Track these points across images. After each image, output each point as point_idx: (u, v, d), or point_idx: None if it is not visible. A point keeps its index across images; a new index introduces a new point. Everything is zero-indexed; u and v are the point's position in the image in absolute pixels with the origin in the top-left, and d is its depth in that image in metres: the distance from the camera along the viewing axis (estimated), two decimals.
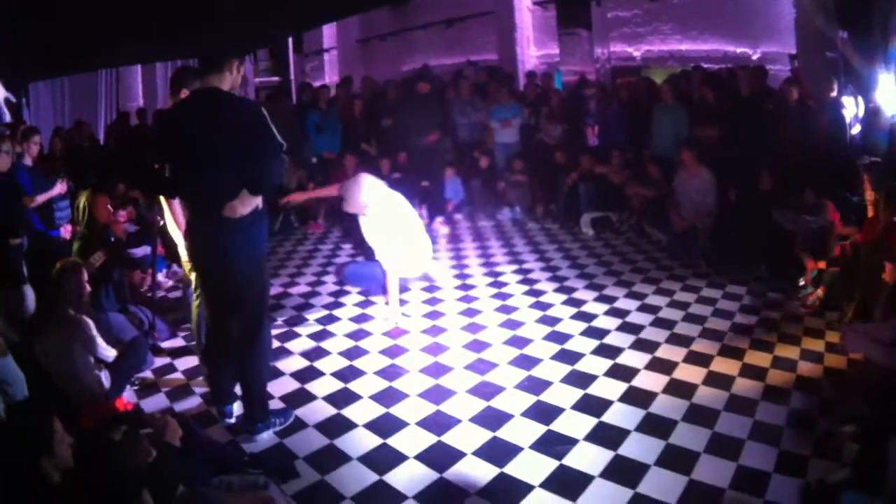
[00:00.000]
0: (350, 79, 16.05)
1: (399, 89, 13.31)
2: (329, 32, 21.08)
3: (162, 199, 5.80)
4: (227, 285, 4.84)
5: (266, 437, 5.05)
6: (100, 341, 5.41)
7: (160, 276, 8.92)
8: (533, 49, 17.08)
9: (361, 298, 8.08)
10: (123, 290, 6.98)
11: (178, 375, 6.29)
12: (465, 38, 18.06)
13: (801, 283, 7.37)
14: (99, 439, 3.80)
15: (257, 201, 4.70)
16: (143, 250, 8.62)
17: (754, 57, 13.34)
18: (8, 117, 11.24)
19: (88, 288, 5.75)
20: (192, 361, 6.45)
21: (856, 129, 9.36)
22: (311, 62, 21.56)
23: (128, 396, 5.74)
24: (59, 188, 7.66)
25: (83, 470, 3.26)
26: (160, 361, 6.54)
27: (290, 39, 18.92)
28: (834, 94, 9.25)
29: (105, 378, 5.38)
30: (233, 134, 4.47)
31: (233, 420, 5.27)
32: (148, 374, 6.26)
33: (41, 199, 7.55)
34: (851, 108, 9.40)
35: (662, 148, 10.62)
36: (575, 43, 15.48)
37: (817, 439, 4.64)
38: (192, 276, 5.77)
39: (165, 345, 6.95)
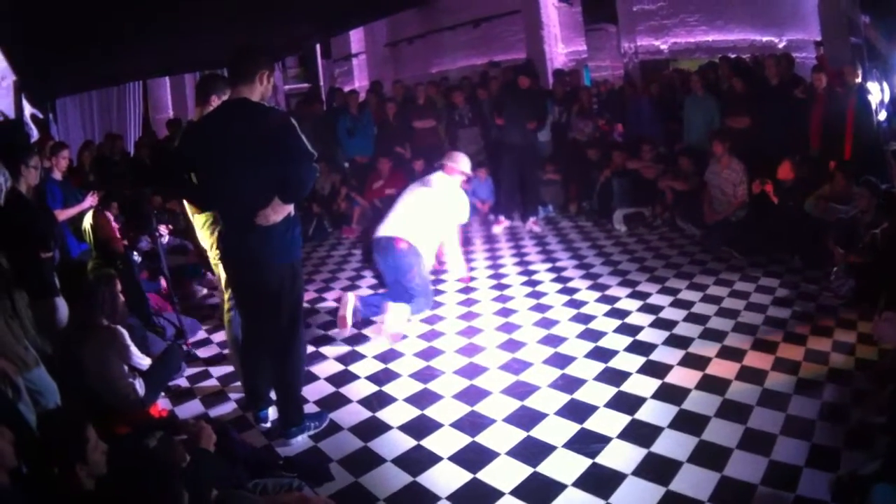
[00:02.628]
0: (380, 83, 16.14)
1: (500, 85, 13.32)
2: (357, 37, 21.22)
3: (188, 208, 5.79)
4: (262, 293, 4.89)
5: (301, 441, 5.11)
6: (134, 350, 5.49)
7: (194, 285, 9.10)
8: (561, 46, 17.06)
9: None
10: (146, 304, 7.07)
11: (212, 382, 6.37)
12: (492, 37, 18.10)
13: (833, 275, 7.33)
14: (134, 446, 3.85)
15: (289, 208, 4.71)
16: (176, 258, 8.76)
17: (780, 45, 13.29)
18: (36, 133, 11.42)
19: (122, 298, 5.84)
20: (226, 368, 6.53)
21: (882, 115, 9.28)
22: (340, 67, 21.67)
23: (163, 404, 5.82)
24: (90, 201, 7.73)
25: (118, 477, 3.30)
26: (194, 369, 6.64)
27: (319, 45, 19.00)
28: (858, 79, 9.18)
29: (139, 386, 5.45)
30: (262, 144, 4.50)
31: (268, 424, 5.35)
32: (182, 381, 6.36)
33: (71, 212, 7.66)
34: (877, 93, 9.32)
35: (694, 140, 10.60)
36: (602, 38, 15.49)
37: (849, 431, 4.63)
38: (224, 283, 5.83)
39: (200, 352, 7.05)
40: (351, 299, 6.88)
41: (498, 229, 11.17)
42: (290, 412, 5.14)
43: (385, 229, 7.04)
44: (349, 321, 6.81)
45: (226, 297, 5.85)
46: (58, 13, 8.46)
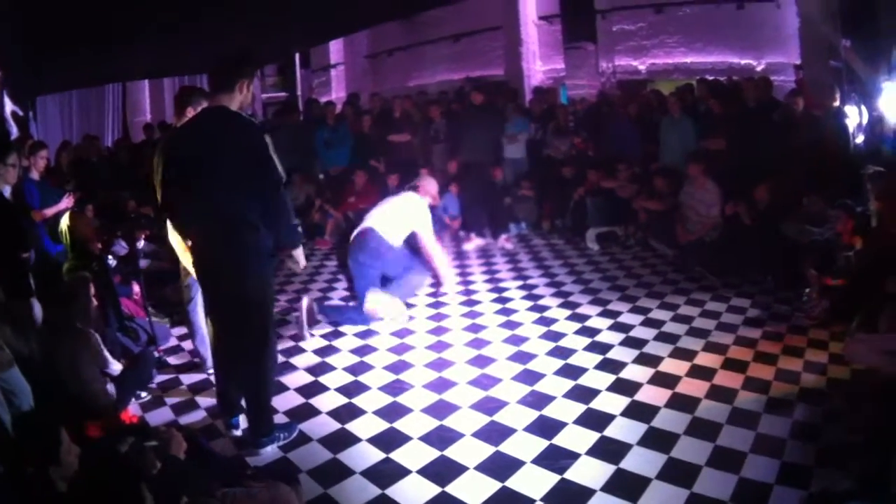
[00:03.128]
0: (358, 95, 16.15)
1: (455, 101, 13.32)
2: (336, 48, 21.22)
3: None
4: (232, 303, 4.89)
5: (270, 451, 5.07)
6: (107, 355, 5.47)
7: (168, 291, 8.96)
8: (539, 63, 17.15)
9: None
10: (119, 308, 6.96)
11: (183, 389, 6.33)
12: (472, 53, 18.20)
13: (806, 296, 7.38)
14: (105, 450, 3.80)
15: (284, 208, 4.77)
16: (150, 263, 8.68)
17: (759, 68, 13.43)
18: (16, 131, 11.32)
19: (95, 302, 5.80)
20: (197, 376, 6.50)
21: (860, 139, 9.33)
22: (318, 77, 21.67)
23: (133, 410, 5.77)
24: (67, 202, 7.69)
25: (89, 480, 3.29)
26: (165, 376, 6.58)
27: (298, 55, 19.00)
28: (836, 102, 9.24)
29: (111, 391, 5.43)
30: (236, 155, 4.53)
31: (239, 432, 5.30)
32: (153, 387, 6.30)
33: (49, 212, 7.60)
34: (855, 116, 9.38)
35: (670, 161, 10.64)
36: (581, 57, 15.54)
37: (820, 450, 4.64)
38: (189, 290, 6.04)
39: (171, 359, 7.00)
40: (305, 302, 7.28)
41: (469, 246, 11.12)
42: (260, 422, 5.10)
43: (359, 228, 7.67)
44: (305, 329, 7.25)
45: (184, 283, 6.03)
46: (49, 13, 8.44)
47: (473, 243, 11.18)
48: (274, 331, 5.15)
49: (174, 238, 5.69)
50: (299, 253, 5.14)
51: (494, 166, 11.62)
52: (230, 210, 4.64)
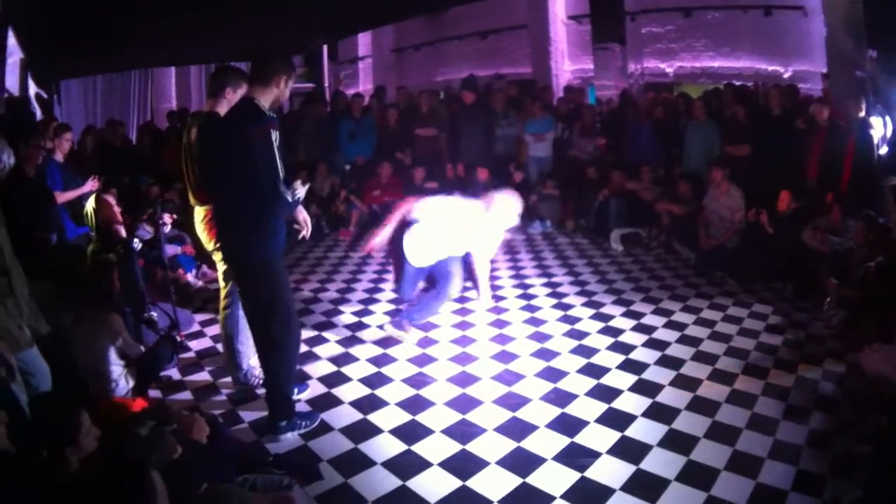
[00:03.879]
0: (384, 88, 16.17)
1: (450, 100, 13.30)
2: (364, 41, 21.20)
3: (192, 200, 5.87)
4: (242, 286, 5.18)
5: (290, 439, 5.12)
6: (127, 337, 5.54)
7: (189, 277, 9.11)
8: (567, 63, 17.14)
9: (392, 307, 8.16)
10: (142, 293, 6.97)
11: (204, 375, 6.38)
12: (499, 50, 18.15)
13: (825, 305, 7.43)
14: (125, 434, 3.81)
15: (269, 208, 4.82)
16: (172, 249, 8.75)
17: (786, 75, 13.41)
18: (40, 113, 11.40)
19: (117, 285, 5.89)
20: (218, 362, 6.53)
21: (883, 150, 9.35)
22: (345, 70, 21.68)
23: (153, 395, 5.81)
24: (90, 185, 7.76)
25: (103, 463, 3.31)
26: (187, 361, 6.66)
27: (325, 47, 19.01)
28: (862, 113, 9.26)
29: (130, 375, 5.51)
30: (239, 147, 4.67)
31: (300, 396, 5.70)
32: (174, 372, 6.36)
33: (71, 195, 7.67)
34: (879, 127, 9.40)
35: (693, 165, 10.68)
36: (608, 58, 15.50)
37: (834, 459, 4.68)
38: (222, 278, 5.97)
39: (193, 345, 7.07)
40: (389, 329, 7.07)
41: None
42: (277, 406, 5.17)
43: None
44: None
45: (223, 293, 5.90)
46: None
47: None
48: (288, 317, 5.10)
49: (200, 227, 5.86)
50: (301, 216, 5.35)
51: (485, 167, 11.57)
52: (229, 199, 4.91)
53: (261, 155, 4.58)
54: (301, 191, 4.81)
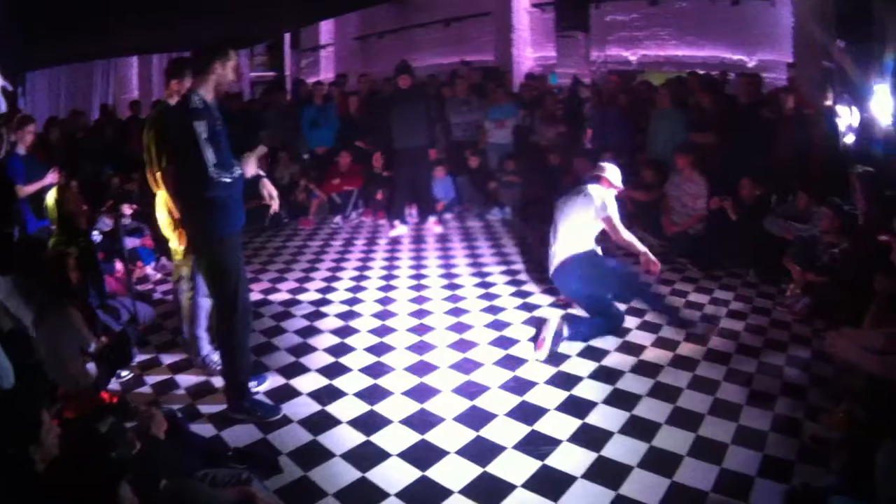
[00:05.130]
0: (345, 76, 16.06)
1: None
2: (327, 29, 21.09)
3: (152, 186, 6.00)
4: (196, 262, 5.51)
5: (250, 432, 5.08)
6: (86, 333, 5.40)
7: (149, 269, 9.04)
8: (530, 50, 17.14)
9: (349, 295, 8.09)
10: (103, 285, 6.92)
11: (163, 368, 6.29)
12: (463, 37, 18.14)
13: (789, 291, 7.42)
14: (85, 430, 3.82)
15: (206, 194, 4.95)
16: (132, 242, 8.63)
17: (750, 64, 13.44)
18: (4, 105, 11.22)
19: (75, 278, 5.75)
20: (178, 356, 6.46)
21: (849, 139, 9.34)
22: (307, 58, 21.55)
23: (114, 388, 5.70)
24: (51, 177, 7.62)
25: (68, 460, 3.27)
26: (146, 355, 6.54)
27: (288, 35, 18.88)
28: (828, 102, 9.24)
29: (91, 369, 5.35)
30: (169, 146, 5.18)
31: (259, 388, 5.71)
32: (133, 366, 6.24)
33: (32, 188, 7.53)
34: (846, 117, 9.39)
35: (658, 152, 10.61)
36: (572, 45, 15.49)
37: (803, 444, 4.65)
38: (182, 269, 6.09)
39: (152, 338, 6.95)
40: (553, 322, 6.36)
41: (394, 233, 10.96)
42: (228, 388, 5.33)
43: (556, 259, 7.03)
44: (547, 345, 6.29)
45: (175, 276, 6.18)
46: None
47: (398, 230, 11.01)
48: (235, 303, 5.13)
49: (161, 213, 5.96)
50: (265, 191, 5.42)
51: (429, 148, 11.41)
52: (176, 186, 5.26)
53: (182, 144, 4.86)
54: (238, 169, 5.06)
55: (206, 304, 5.92)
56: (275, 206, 5.49)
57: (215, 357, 5.90)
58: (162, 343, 6.87)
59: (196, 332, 6.01)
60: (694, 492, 4.21)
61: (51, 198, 6.85)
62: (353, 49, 21.05)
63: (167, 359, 6.48)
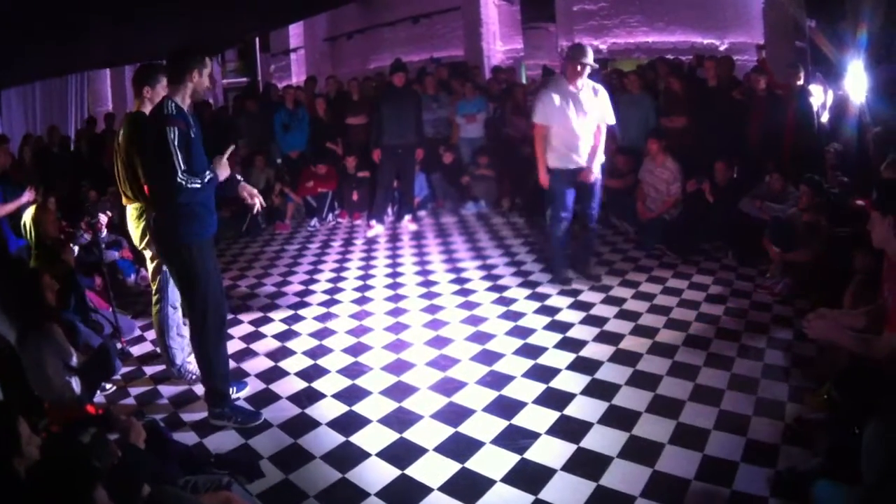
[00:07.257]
0: (314, 78, 15.97)
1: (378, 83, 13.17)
2: (296, 32, 21.11)
3: (123, 199, 6.01)
4: (169, 269, 5.45)
5: (231, 438, 5.07)
6: (68, 349, 5.35)
7: (129, 281, 8.98)
8: (499, 44, 17.16)
9: (326, 297, 8.04)
10: (85, 300, 6.85)
11: (146, 379, 6.25)
12: (431, 34, 18.22)
13: (769, 273, 7.38)
14: (67, 441, 3.80)
15: (174, 199, 4.94)
16: (111, 255, 8.62)
17: (721, 48, 13.44)
18: None
19: (52, 295, 5.68)
20: (160, 366, 6.40)
21: (825, 118, 9.31)
22: (278, 62, 21.49)
23: (99, 402, 5.68)
24: (28, 196, 7.61)
25: (45, 465, 3.20)
26: (128, 367, 6.49)
27: (258, 39, 18.82)
28: (801, 82, 9.22)
29: (75, 384, 5.29)
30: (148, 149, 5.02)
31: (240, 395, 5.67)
32: (117, 378, 6.19)
33: (10, 207, 7.52)
34: (819, 96, 9.37)
35: (629, 139, 10.56)
36: (541, 37, 15.52)
37: (787, 428, 4.59)
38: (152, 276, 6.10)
39: (134, 350, 6.91)
40: None
41: (371, 233, 10.88)
42: (210, 388, 5.34)
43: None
44: None
45: (154, 288, 6.03)
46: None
47: (375, 230, 10.93)
48: (207, 309, 5.14)
49: (132, 224, 6.01)
50: (244, 192, 5.48)
51: (417, 147, 11.37)
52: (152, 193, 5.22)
53: (153, 150, 4.87)
54: (210, 174, 4.97)
55: (174, 313, 5.94)
56: (258, 204, 5.50)
57: (191, 367, 5.91)
58: (144, 353, 6.83)
59: (167, 343, 5.97)
60: (677, 480, 4.14)
61: (28, 216, 6.83)
62: (323, 51, 21.06)
63: (150, 370, 6.44)
